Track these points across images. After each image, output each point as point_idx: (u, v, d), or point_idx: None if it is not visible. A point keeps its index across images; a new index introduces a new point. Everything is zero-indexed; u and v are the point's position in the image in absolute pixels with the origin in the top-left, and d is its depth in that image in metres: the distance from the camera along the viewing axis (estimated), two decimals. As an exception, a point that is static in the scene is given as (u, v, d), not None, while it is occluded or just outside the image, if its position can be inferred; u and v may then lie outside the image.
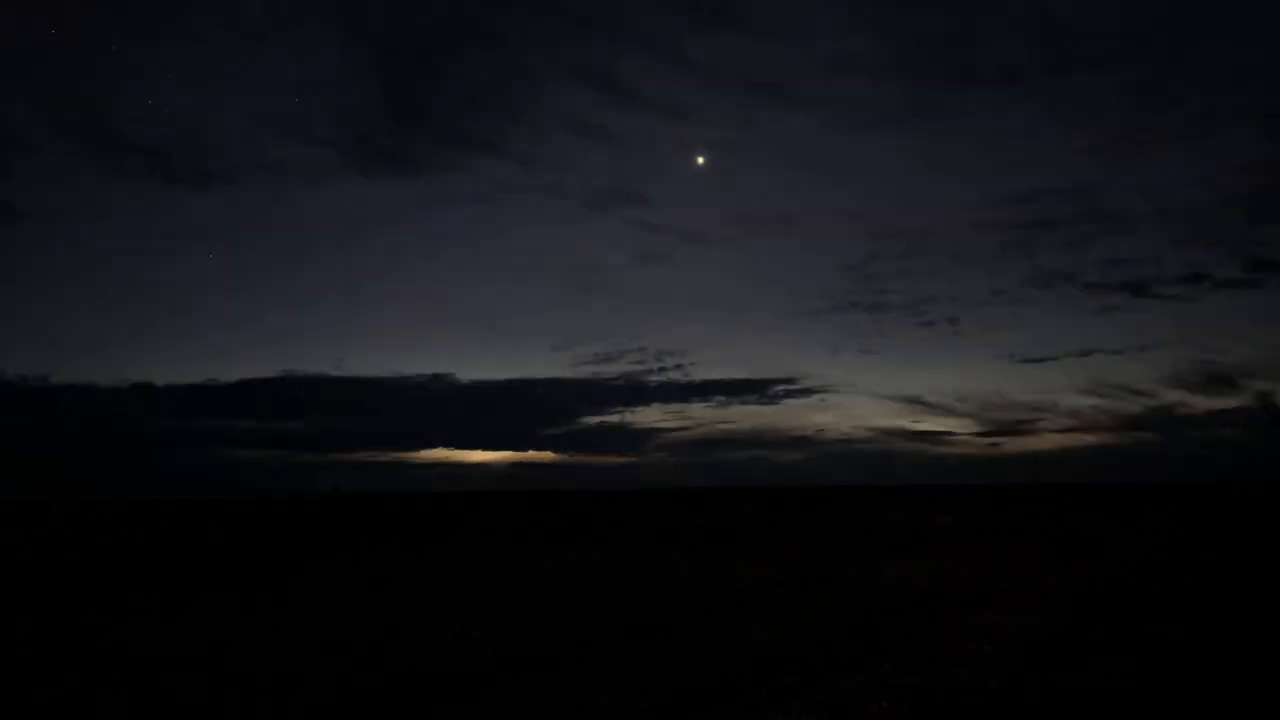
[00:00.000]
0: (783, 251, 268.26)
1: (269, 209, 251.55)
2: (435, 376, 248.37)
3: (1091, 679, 8.29)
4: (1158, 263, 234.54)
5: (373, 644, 10.50)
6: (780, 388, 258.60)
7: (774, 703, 7.58)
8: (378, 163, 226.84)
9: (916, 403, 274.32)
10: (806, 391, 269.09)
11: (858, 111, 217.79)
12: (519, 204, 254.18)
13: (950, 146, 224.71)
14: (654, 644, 10.19)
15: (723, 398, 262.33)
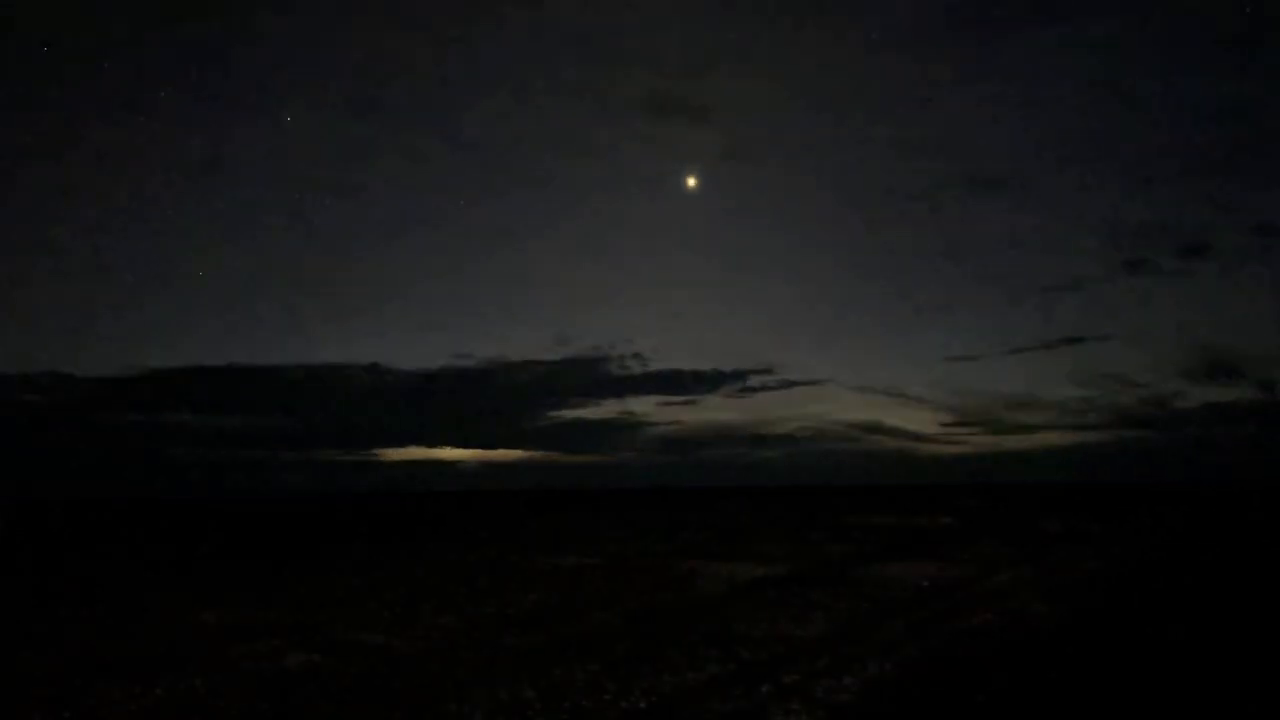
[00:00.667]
0: (750, 227, 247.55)
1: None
2: (373, 366, 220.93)
3: (1093, 679, 8.29)
4: (1154, 231, 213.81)
5: (374, 644, 10.49)
6: (755, 379, 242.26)
7: (775, 702, 7.58)
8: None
9: (899, 395, 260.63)
10: (785, 384, 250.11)
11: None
12: (443, 171, 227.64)
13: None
14: (654, 642, 10.19)
15: (693, 391, 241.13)
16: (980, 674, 8.53)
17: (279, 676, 8.81)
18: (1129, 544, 24.08)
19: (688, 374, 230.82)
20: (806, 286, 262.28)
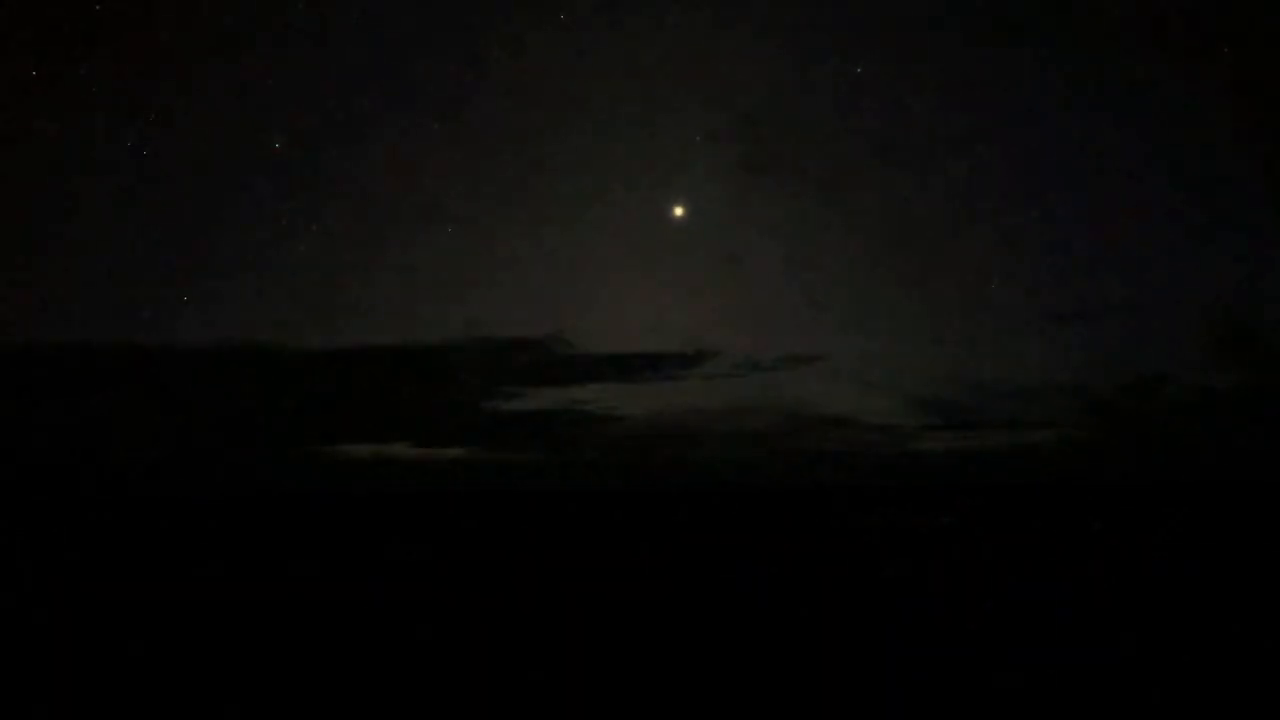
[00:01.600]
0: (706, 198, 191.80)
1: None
2: (250, 345, 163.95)
3: (1094, 678, 8.10)
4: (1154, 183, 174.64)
5: (366, 644, 10.22)
6: (712, 365, 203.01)
7: (777, 697, 7.38)
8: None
9: (873, 386, 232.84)
10: (747, 370, 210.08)
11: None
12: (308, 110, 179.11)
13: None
14: (656, 642, 10.00)
15: (643, 378, 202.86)
16: (983, 670, 8.32)
17: (285, 681, 8.53)
18: (1130, 544, 23.95)
19: (639, 358, 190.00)
20: (768, 262, 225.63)
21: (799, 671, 8.53)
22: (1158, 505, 54.18)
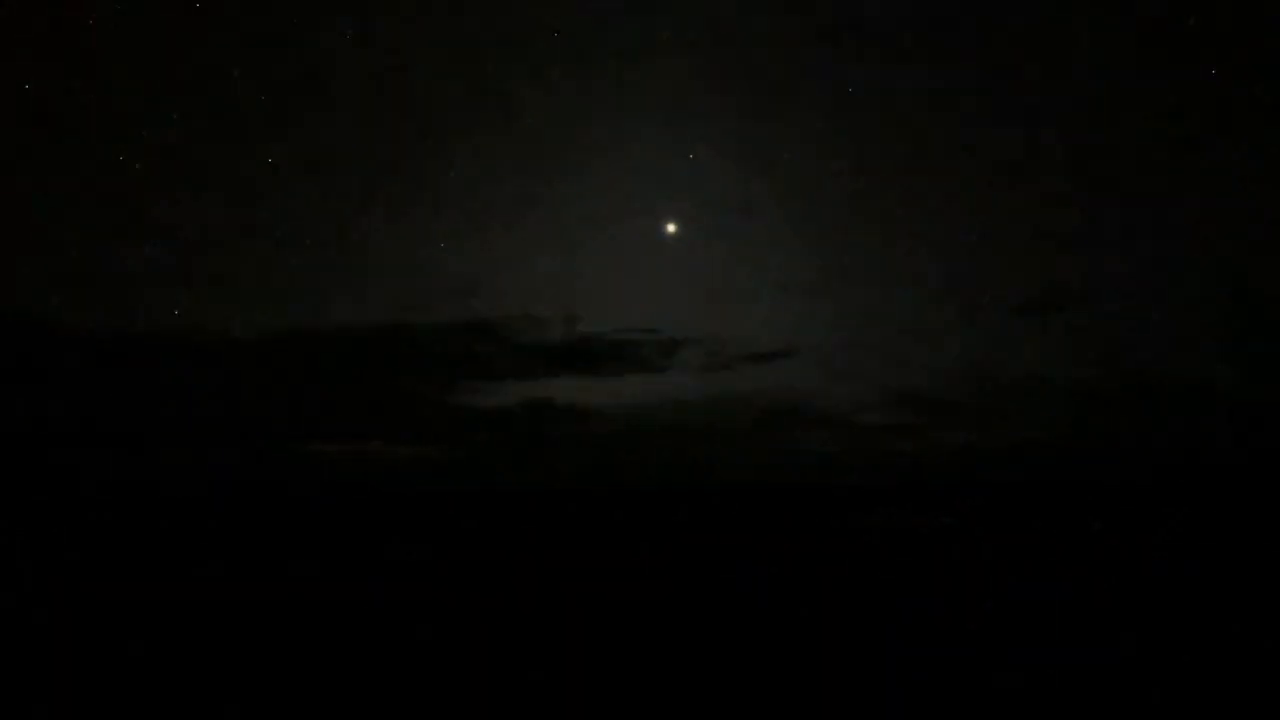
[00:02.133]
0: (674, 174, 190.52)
1: None
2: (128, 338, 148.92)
3: (1094, 678, 8.05)
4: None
5: (366, 644, 10.19)
6: (693, 353, 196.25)
7: (777, 697, 7.33)
8: None
9: (858, 381, 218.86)
10: (727, 362, 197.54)
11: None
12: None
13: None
14: (656, 641, 9.94)
15: (612, 369, 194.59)
16: (983, 671, 8.28)
17: (285, 686, 8.49)
18: (1131, 544, 23.85)
19: (606, 343, 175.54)
20: (746, 255, 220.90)
21: (799, 671, 8.51)
22: (1158, 505, 54.01)
